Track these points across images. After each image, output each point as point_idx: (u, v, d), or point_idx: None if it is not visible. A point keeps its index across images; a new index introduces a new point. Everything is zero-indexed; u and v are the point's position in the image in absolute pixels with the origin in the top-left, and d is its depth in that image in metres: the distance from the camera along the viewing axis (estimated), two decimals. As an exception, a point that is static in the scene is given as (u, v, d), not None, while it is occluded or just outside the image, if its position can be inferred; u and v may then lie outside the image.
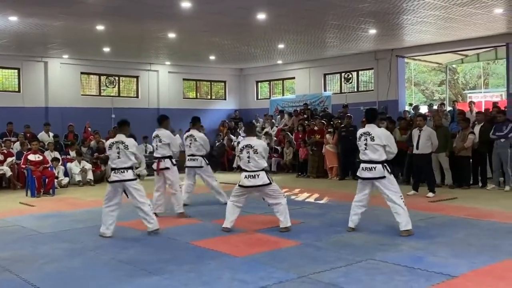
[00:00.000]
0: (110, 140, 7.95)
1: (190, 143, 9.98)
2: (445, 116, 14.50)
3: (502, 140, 11.40)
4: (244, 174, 7.54)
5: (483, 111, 14.40)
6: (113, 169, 7.51)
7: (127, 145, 7.52)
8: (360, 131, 7.41)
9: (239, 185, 7.61)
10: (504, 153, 11.38)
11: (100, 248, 6.76)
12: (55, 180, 13.20)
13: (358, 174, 7.43)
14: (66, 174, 14.40)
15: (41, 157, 13.10)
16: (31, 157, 12.95)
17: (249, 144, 7.52)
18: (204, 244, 6.80)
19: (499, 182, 11.73)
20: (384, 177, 7.07)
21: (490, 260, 5.73)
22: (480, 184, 12.11)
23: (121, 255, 6.34)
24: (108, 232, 7.41)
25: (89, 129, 17.25)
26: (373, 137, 7.11)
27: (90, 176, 14.60)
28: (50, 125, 16.56)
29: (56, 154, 14.48)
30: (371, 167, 7.11)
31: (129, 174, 7.44)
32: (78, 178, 14.41)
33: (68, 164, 14.66)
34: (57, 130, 16.93)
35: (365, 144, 7.17)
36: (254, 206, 9.66)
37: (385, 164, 7.11)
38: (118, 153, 7.49)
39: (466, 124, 12.08)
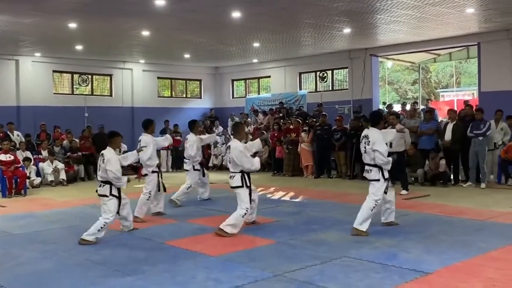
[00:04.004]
0: None
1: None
2: (418, 114, 14.68)
3: (480, 138, 11.54)
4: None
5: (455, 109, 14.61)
6: None
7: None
8: (363, 134, 7.47)
9: None
10: (481, 151, 11.52)
11: (73, 249, 6.66)
12: (27, 180, 12.96)
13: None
14: (38, 174, 14.15)
15: (12, 157, 12.85)
16: (2, 156, 12.68)
17: (229, 146, 7.58)
18: (179, 244, 6.76)
19: (476, 179, 11.85)
20: (377, 180, 7.15)
21: (462, 256, 5.82)
22: (452, 181, 12.26)
23: (94, 256, 6.26)
24: None
25: (59, 130, 16.87)
26: (369, 141, 7.19)
27: (62, 176, 14.38)
28: (14, 124, 16.12)
29: (28, 153, 14.21)
30: (368, 169, 7.27)
31: None
32: (50, 178, 14.18)
33: (40, 164, 14.41)
34: (29, 129, 16.65)
35: (364, 147, 7.26)
36: (229, 205, 9.66)
37: (382, 168, 7.17)
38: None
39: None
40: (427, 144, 12.42)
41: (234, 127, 8.02)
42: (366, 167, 7.34)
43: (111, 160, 7.06)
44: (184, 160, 10.38)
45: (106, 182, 7.09)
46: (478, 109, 12.34)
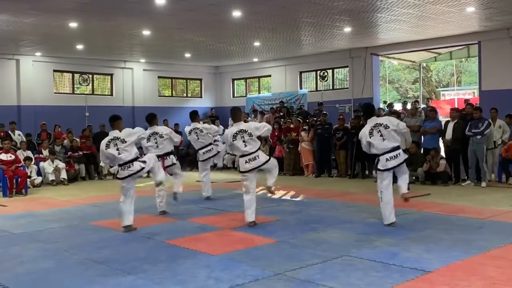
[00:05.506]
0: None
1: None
2: (419, 113, 14.68)
3: (478, 137, 11.53)
4: (243, 159, 7.49)
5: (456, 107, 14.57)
6: None
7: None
8: (369, 126, 7.33)
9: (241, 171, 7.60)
10: (480, 150, 11.51)
11: (74, 248, 6.66)
12: (28, 180, 12.97)
13: (381, 167, 7.28)
14: (39, 173, 14.16)
15: (13, 156, 12.86)
16: (3, 156, 12.70)
17: (242, 129, 7.52)
18: (179, 243, 6.76)
19: (475, 178, 11.84)
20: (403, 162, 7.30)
21: (462, 255, 5.81)
22: (453, 180, 12.25)
23: (95, 255, 6.26)
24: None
25: (59, 129, 16.85)
26: (386, 124, 7.18)
27: (63, 175, 14.39)
28: (16, 124, 16.10)
29: (29, 153, 14.22)
30: (396, 154, 7.16)
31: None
32: (51, 177, 14.19)
33: (41, 163, 14.42)
34: (30, 129, 16.66)
35: (381, 135, 7.16)
36: (230, 204, 9.68)
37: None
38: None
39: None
40: (431, 143, 12.42)
41: (232, 114, 8.03)
42: (391, 154, 7.13)
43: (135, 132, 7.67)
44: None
45: (134, 159, 7.47)
46: (477, 108, 12.32)
